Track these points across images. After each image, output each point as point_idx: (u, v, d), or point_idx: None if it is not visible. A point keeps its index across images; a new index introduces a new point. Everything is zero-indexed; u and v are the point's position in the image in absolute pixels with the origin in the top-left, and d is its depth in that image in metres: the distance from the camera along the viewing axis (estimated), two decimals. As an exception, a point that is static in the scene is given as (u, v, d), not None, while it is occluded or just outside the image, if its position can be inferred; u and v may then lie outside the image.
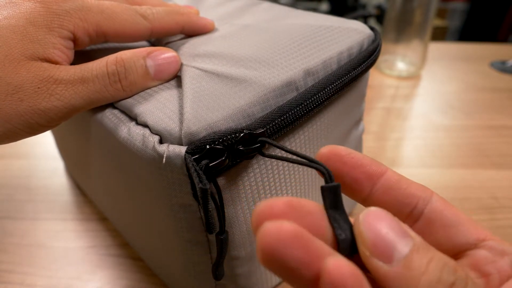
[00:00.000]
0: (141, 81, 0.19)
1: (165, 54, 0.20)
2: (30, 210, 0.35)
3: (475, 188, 0.38)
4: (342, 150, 0.14)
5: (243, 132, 0.16)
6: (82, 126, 0.23)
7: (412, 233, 0.12)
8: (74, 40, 0.19)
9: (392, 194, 0.14)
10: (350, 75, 0.21)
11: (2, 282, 0.28)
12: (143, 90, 0.19)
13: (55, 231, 0.33)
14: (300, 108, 0.18)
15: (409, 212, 0.14)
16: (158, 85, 0.20)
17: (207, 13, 0.27)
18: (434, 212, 0.14)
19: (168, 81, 0.20)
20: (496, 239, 0.13)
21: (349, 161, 0.14)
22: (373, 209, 0.12)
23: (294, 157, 0.14)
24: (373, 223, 0.11)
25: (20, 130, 0.17)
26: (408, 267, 0.11)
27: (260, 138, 0.16)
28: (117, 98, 0.19)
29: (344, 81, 0.21)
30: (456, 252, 0.13)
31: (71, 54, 0.19)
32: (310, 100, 0.19)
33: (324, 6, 1.95)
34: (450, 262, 0.11)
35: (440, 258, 0.11)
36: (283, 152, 0.19)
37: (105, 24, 0.20)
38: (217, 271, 0.19)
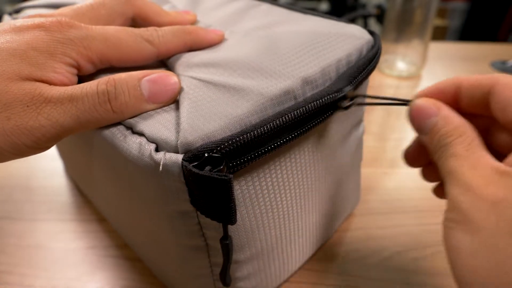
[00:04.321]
0: (134, 103, 0.18)
1: (163, 77, 0.19)
2: (29, 211, 0.35)
3: (476, 188, 0.37)
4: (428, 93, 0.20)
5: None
6: (81, 134, 0.22)
7: (439, 111, 0.18)
8: (78, 67, 0.19)
9: (470, 101, 0.19)
10: (350, 85, 0.21)
11: (1, 283, 0.28)
12: (137, 113, 0.18)
13: (54, 232, 0.33)
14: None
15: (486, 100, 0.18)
16: (155, 108, 0.18)
17: (205, 16, 0.27)
18: (493, 103, 0.18)
19: (167, 105, 0.19)
20: None
21: (432, 95, 0.20)
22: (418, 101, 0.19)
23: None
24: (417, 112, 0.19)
25: (5, 151, 0.17)
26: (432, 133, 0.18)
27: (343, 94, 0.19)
28: (108, 121, 0.18)
29: (343, 93, 0.20)
30: None
31: (74, 79, 0.19)
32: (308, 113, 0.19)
33: (324, 5, 1.95)
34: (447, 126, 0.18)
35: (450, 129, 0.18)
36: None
37: (109, 52, 0.19)
38: (226, 277, 0.19)
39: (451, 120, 0.18)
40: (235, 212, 0.16)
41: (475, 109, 0.19)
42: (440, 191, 0.23)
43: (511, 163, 0.16)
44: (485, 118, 0.20)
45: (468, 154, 0.16)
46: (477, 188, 0.15)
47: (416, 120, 0.19)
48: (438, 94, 0.20)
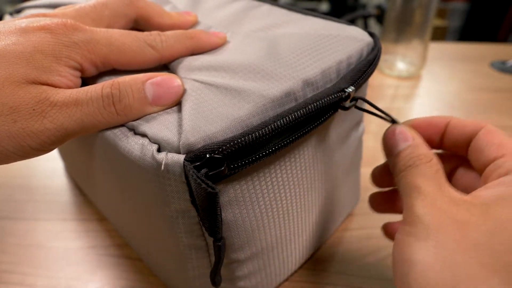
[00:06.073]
0: (137, 105, 0.18)
1: (166, 80, 0.19)
2: (30, 210, 0.35)
3: (475, 188, 0.38)
4: (415, 123, 0.22)
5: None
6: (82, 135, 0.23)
7: (410, 139, 0.20)
8: (81, 70, 0.19)
9: (453, 138, 0.21)
10: (353, 85, 0.21)
11: (2, 282, 0.28)
12: (141, 116, 0.18)
13: (55, 231, 0.33)
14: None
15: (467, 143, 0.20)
16: (158, 111, 0.19)
17: (205, 17, 0.27)
18: (473, 144, 0.20)
19: (170, 107, 0.19)
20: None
21: (422, 125, 0.22)
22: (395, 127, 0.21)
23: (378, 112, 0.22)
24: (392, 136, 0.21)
25: (11, 152, 0.17)
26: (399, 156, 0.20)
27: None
28: (112, 123, 0.18)
29: (345, 93, 0.20)
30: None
31: (78, 82, 0.19)
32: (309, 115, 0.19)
33: (324, 6, 1.95)
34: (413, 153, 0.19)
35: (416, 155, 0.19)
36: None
37: (113, 57, 0.20)
38: (216, 277, 0.19)
39: (422, 148, 0.19)
40: (220, 225, 0.17)
41: (454, 147, 0.21)
42: (381, 202, 0.26)
43: (474, 195, 0.17)
44: (457, 158, 0.22)
45: (435, 177, 0.18)
46: (442, 205, 0.16)
47: (391, 140, 0.21)
48: (428, 126, 0.22)
